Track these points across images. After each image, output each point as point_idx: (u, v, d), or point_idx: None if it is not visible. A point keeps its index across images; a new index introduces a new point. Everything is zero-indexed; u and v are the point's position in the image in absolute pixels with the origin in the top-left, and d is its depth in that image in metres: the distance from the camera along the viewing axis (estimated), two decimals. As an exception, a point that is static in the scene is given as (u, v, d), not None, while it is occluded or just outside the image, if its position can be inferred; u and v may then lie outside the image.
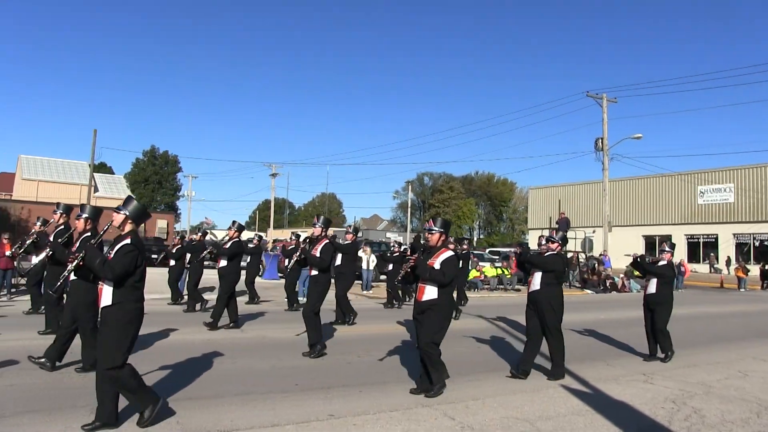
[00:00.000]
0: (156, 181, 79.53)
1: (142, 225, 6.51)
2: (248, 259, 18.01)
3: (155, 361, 8.47)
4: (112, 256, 5.54)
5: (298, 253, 10.13)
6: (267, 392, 7.19)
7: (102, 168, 79.31)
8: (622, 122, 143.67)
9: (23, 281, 16.72)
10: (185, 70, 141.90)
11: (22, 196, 62.67)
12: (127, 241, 5.60)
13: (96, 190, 65.61)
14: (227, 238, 12.52)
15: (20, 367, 7.89)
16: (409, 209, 77.94)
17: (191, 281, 15.07)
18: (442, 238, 7.41)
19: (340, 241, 14.23)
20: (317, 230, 9.93)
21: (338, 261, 13.69)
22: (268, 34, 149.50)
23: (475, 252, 32.63)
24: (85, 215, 8.24)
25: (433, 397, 7.08)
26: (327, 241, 9.84)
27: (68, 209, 9.96)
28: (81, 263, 5.69)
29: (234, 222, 12.69)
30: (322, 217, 10.14)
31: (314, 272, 9.70)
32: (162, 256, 19.47)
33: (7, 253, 15.50)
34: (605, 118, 35.44)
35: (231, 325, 12.03)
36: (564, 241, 8.86)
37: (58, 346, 7.85)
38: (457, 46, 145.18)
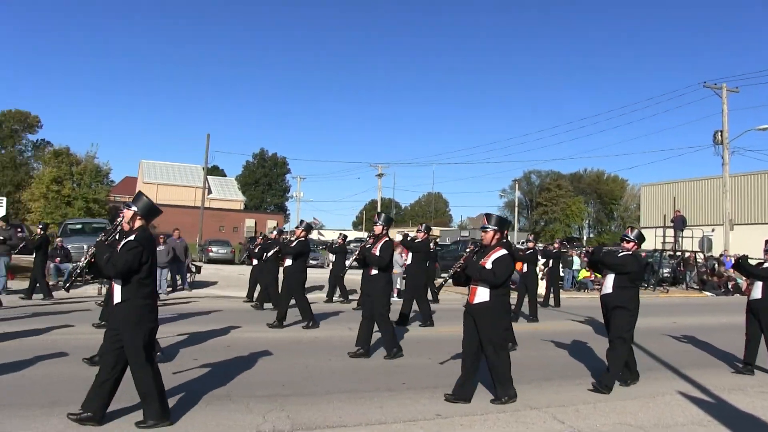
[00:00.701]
0: (266, 182, 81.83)
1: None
2: (333, 258, 18.44)
3: (269, 357, 8.80)
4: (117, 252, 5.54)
5: (357, 252, 9.92)
6: (374, 390, 7.23)
7: (215, 171, 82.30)
8: (745, 113, 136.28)
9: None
10: (292, 75, 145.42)
11: (143, 199, 65.84)
12: (132, 237, 5.57)
13: (210, 192, 68.07)
14: (294, 237, 12.61)
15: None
16: (516, 208, 76.82)
17: (265, 279, 15.25)
18: (497, 237, 6.96)
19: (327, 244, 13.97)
20: (378, 228, 9.67)
21: (409, 260, 13.56)
22: (373, 36, 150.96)
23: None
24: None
25: (502, 402, 6.70)
26: (387, 239, 9.57)
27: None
28: (93, 260, 5.75)
29: (302, 221, 12.86)
30: (383, 215, 9.94)
31: (374, 271, 9.38)
32: (246, 255, 20.04)
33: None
34: (725, 109, 33.51)
35: (309, 324, 11.97)
36: (640, 239, 8.06)
37: None
38: (562, 41, 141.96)
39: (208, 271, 24.33)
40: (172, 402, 6.04)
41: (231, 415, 5.99)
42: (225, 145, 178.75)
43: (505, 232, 7.39)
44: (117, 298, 5.53)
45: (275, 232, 17.23)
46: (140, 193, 5.98)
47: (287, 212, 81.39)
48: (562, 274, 23.62)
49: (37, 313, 12.54)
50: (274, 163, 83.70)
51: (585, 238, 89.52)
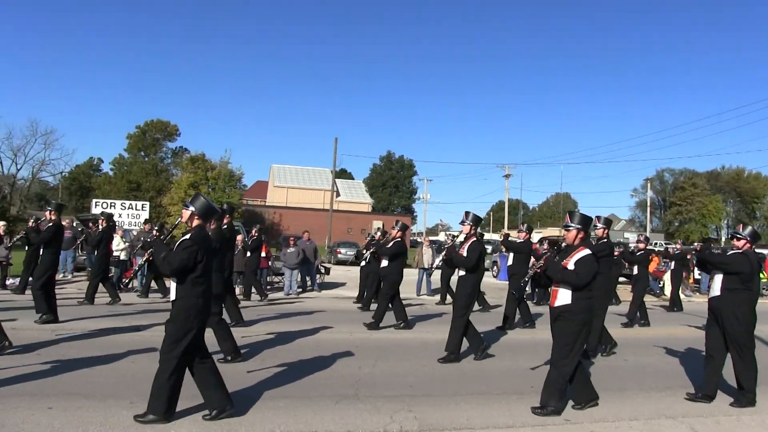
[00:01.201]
0: (393, 185, 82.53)
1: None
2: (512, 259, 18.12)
3: (395, 359, 8.92)
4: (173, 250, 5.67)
5: (444, 253, 9.53)
6: (502, 393, 7.17)
7: (343, 174, 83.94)
8: None
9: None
10: (419, 77, 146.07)
11: (274, 202, 68.39)
12: (188, 236, 5.69)
13: (338, 194, 69.43)
14: (390, 237, 12.38)
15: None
16: (648, 208, 73.59)
17: (367, 280, 14.98)
18: (580, 236, 6.57)
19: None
20: (466, 228, 9.25)
21: (510, 261, 13.12)
22: (500, 37, 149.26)
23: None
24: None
25: (542, 413, 6.30)
26: (475, 239, 9.14)
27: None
28: (151, 258, 5.82)
29: (397, 221, 12.57)
30: (471, 214, 9.42)
31: (461, 273, 9.07)
32: (354, 256, 20.09)
33: (262, 254, 16.96)
34: None
35: (401, 324, 11.77)
36: (754, 237, 7.16)
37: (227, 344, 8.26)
38: (696, 36, 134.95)
39: (336, 273, 24.62)
40: (302, 399, 6.42)
41: (359, 415, 6.09)
42: (353, 148, 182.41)
43: (590, 230, 7.03)
44: (172, 296, 5.73)
45: (379, 233, 16.99)
46: (198, 194, 6.12)
47: (414, 214, 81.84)
48: (698, 276, 22.56)
49: (148, 309, 12.75)
50: (401, 166, 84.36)
51: (723, 239, 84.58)
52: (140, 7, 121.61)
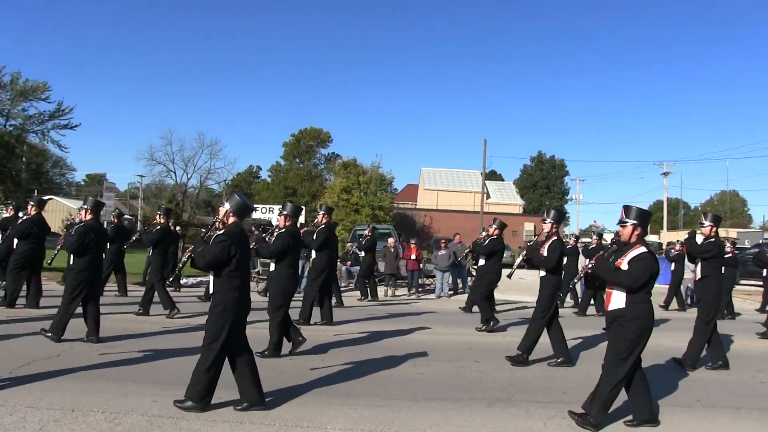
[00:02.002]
0: (544, 186, 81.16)
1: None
2: (565, 261, 17.46)
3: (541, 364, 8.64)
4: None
5: (524, 252, 9.25)
6: (665, 405, 6.75)
7: (493, 176, 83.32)
8: None
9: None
10: (566, 74, 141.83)
11: (424, 205, 69.03)
12: (221, 231, 6.00)
13: (488, 197, 69.01)
14: (485, 235, 12.25)
15: (430, 359, 8.75)
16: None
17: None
18: (637, 232, 6.03)
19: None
20: (547, 226, 8.93)
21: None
22: (659, 25, 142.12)
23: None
24: (285, 212, 9.19)
25: (579, 422, 5.88)
26: (556, 238, 8.82)
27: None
28: (192, 255, 6.16)
29: (495, 219, 12.43)
30: (552, 211, 9.17)
31: (542, 273, 8.76)
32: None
33: (413, 256, 17.17)
34: None
35: (492, 324, 11.53)
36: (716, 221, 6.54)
37: None
38: None
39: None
40: (453, 401, 6.43)
41: (511, 419, 6.07)
42: (503, 149, 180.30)
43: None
44: (211, 289, 6.06)
45: (483, 233, 16.96)
46: (233, 193, 6.40)
47: (567, 215, 79.90)
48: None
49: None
50: (552, 166, 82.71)
51: None
52: (291, 26, 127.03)
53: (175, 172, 62.83)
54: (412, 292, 18.34)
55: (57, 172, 70.58)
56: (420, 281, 19.47)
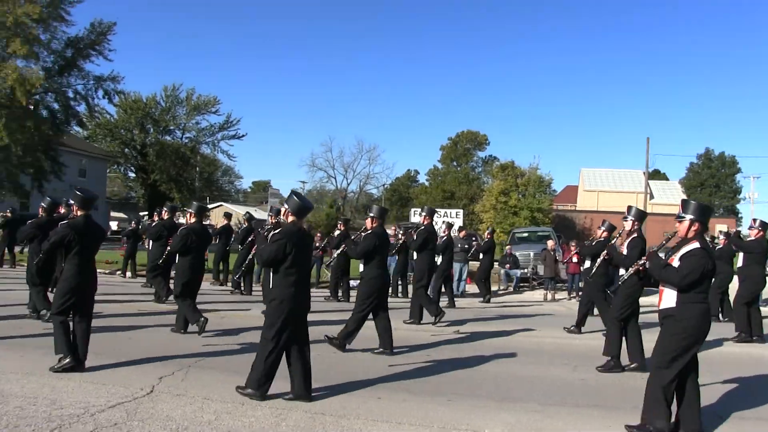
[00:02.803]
0: (713, 184, 76.89)
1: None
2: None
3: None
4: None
5: (605, 251, 9.08)
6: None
7: (656, 175, 79.67)
8: None
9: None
10: (730, 63, 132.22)
11: (584, 207, 67.10)
12: (276, 230, 6.43)
13: (651, 197, 66.13)
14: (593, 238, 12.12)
15: (593, 365, 8.51)
16: None
17: None
18: (694, 228, 5.63)
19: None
20: (628, 224, 8.80)
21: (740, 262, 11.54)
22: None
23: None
24: (371, 214, 9.38)
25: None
26: (636, 236, 8.66)
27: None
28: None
29: (603, 221, 11.96)
30: (633, 208, 8.93)
31: (621, 272, 8.44)
32: None
33: (574, 259, 16.70)
34: None
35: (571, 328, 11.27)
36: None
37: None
38: None
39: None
40: (593, 409, 6.47)
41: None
42: (666, 147, 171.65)
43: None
44: (271, 284, 6.37)
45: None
46: (292, 193, 6.67)
47: (739, 215, 74.80)
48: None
49: (503, 315, 13.71)
50: (722, 163, 77.91)
51: None
52: (444, 31, 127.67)
53: (335, 178, 65.42)
54: (572, 295, 17.81)
55: (226, 180, 75.57)
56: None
